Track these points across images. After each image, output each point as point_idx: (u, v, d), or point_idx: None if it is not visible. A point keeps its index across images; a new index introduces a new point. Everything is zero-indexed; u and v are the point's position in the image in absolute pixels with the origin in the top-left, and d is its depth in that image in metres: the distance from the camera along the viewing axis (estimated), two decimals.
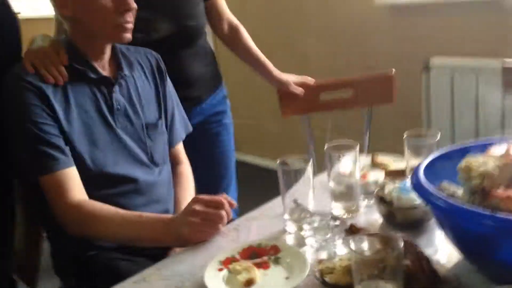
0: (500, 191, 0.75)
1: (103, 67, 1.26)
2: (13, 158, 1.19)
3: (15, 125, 1.17)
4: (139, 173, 1.27)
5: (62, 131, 1.17)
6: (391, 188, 1.04)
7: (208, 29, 1.70)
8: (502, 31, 2.16)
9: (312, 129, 1.84)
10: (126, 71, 1.29)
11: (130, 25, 1.22)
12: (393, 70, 1.74)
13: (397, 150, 1.40)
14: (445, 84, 2.27)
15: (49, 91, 1.17)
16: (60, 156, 1.15)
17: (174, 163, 1.44)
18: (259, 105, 3.38)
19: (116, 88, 1.26)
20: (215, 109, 1.72)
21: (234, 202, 1.14)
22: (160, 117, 1.36)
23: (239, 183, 1.85)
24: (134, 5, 1.20)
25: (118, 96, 1.26)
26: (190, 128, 1.49)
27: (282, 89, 1.75)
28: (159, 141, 1.34)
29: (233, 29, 1.73)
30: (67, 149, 1.17)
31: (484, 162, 0.80)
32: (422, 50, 2.41)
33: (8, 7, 1.32)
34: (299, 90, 1.74)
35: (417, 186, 0.86)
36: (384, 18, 2.55)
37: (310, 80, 1.77)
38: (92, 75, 1.23)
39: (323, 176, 1.29)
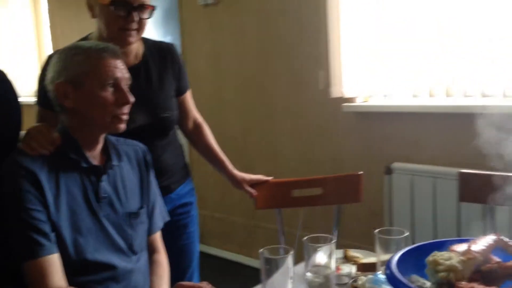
0: (464, 283, 0.85)
1: (94, 157, 1.34)
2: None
3: (9, 209, 1.22)
4: (117, 261, 1.31)
5: (50, 217, 1.22)
6: (364, 279, 1.13)
7: None
8: (459, 142, 2.38)
9: (283, 225, 1.92)
10: (114, 161, 1.37)
11: (126, 116, 1.32)
12: (361, 172, 1.88)
13: (362, 246, 1.51)
14: (405, 186, 2.44)
15: (42, 176, 1.23)
16: (45, 242, 1.20)
17: (151, 251, 1.48)
18: (227, 199, 3.46)
19: (104, 177, 1.33)
20: (184, 200, 1.78)
21: None
22: (142, 206, 1.42)
23: (203, 276, 1.88)
24: (132, 99, 1.31)
25: (105, 185, 1.33)
26: (168, 218, 1.54)
27: (237, 186, 1.85)
28: (139, 230, 1.40)
29: (197, 126, 1.84)
30: (52, 235, 1.21)
31: (450, 257, 0.90)
32: (385, 154, 2.61)
33: (11, 87, 1.42)
34: (253, 191, 1.85)
35: (392, 279, 0.95)
36: (350, 123, 2.75)
37: (265, 178, 1.88)
38: (84, 165, 1.30)
39: (298, 267, 1.36)
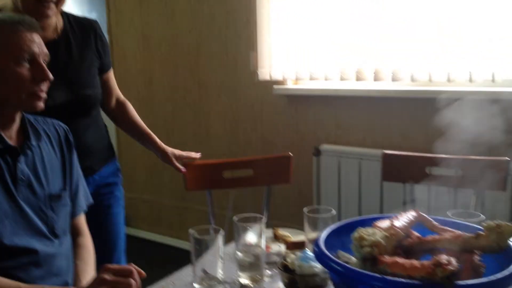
0: (387, 258, 0.89)
1: (10, 137, 1.26)
2: None
3: None
4: (38, 245, 1.25)
5: None
6: (293, 257, 1.15)
7: None
8: (383, 125, 2.48)
9: (214, 207, 1.93)
10: (33, 141, 1.30)
11: (44, 94, 1.25)
12: (290, 153, 1.92)
13: (292, 226, 1.54)
14: (333, 167, 2.52)
15: None
16: None
17: (75, 234, 1.43)
18: (156, 180, 3.41)
19: (22, 158, 1.26)
20: (107, 181, 1.74)
21: (143, 272, 1.17)
22: (64, 188, 1.36)
23: (132, 260, 1.84)
24: (51, 76, 1.24)
25: (23, 166, 1.25)
26: (91, 200, 1.49)
27: (166, 160, 1.81)
28: (61, 213, 1.34)
29: (121, 104, 1.82)
30: None
31: (373, 233, 0.94)
32: (314, 137, 2.67)
33: None
34: (182, 168, 1.83)
35: (319, 255, 0.98)
36: (280, 105, 2.79)
37: (195, 154, 1.85)
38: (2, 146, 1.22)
39: (228, 248, 1.37)
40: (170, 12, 3.10)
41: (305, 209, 1.30)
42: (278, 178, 1.92)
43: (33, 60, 1.22)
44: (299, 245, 1.32)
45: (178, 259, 1.73)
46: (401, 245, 1.00)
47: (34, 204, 1.26)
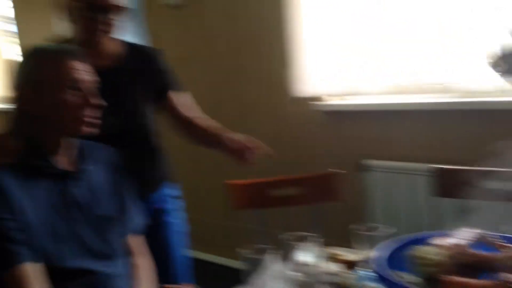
0: (451, 278, 0.87)
1: (63, 161, 1.30)
2: None
3: None
4: (97, 266, 1.28)
5: (22, 225, 1.18)
6: (346, 277, 1.13)
7: None
8: (430, 138, 2.42)
9: (260, 225, 1.92)
10: (85, 165, 1.34)
11: (91, 119, 1.28)
12: (339, 170, 1.89)
13: (341, 243, 1.52)
14: (379, 183, 2.47)
15: (8, 185, 1.18)
16: (20, 250, 1.16)
17: (132, 254, 1.45)
18: (199, 198, 3.43)
19: (75, 182, 1.30)
20: (159, 206, 1.74)
21: None
22: (117, 210, 1.39)
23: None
24: (95, 102, 1.28)
25: (76, 189, 1.29)
26: (146, 221, 1.51)
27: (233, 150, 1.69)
28: (115, 234, 1.36)
29: (186, 124, 1.75)
30: (27, 243, 1.17)
31: (436, 252, 0.92)
32: (357, 152, 2.63)
33: None
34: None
35: (383, 276, 0.96)
36: (320, 122, 2.76)
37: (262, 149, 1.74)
38: (51, 170, 1.26)
39: (279, 267, 1.36)
40: (207, 33, 3.14)
41: (355, 227, 1.28)
42: (327, 196, 1.90)
43: (77, 87, 1.26)
44: (351, 264, 1.29)
45: (227, 279, 1.73)
46: (461, 263, 0.97)
47: (90, 226, 1.30)
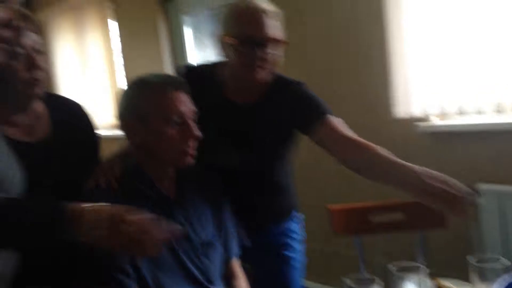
0: None
1: (166, 188, 1.34)
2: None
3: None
4: None
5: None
6: None
7: None
8: None
9: (362, 251, 1.84)
10: (186, 191, 1.37)
11: (192, 151, 1.31)
12: None
13: (449, 274, 1.40)
14: (493, 209, 2.27)
15: None
16: (127, 280, 1.19)
17: (229, 278, 1.45)
18: None
19: (178, 207, 1.33)
20: (276, 240, 1.68)
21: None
22: (216, 235, 1.40)
23: None
24: (199, 135, 1.31)
25: (179, 215, 1.32)
26: (247, 243, 1.50)
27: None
28: (215, 259, 1.37)
29: (360, 152, 1.45)
30: (132, 272, 1.21)
31: None
32: (467, 176, 2.44)
33: (89, 120, 1.50)
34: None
35: None
36: (425, 143, 2.62)
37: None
38: (154, 196, 1.30)
39: None
40: (303, 53, 3.13)
41: (471, 258, 1.17)
42: (433, 223, 1.78)
43: (182, 119, 1.29)
44: None
45: None
46: None
47: (190, 252, 1.31)
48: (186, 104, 1.31)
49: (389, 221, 1.83)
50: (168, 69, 4.08)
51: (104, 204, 1.08)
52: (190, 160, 1.32)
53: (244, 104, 1.53)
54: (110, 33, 4.48)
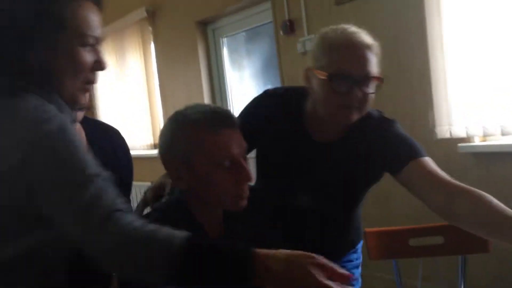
0: None
1: (213, 230, 1.20)
2: None
3: None
4: None
5: None
6: None
7: None
8: None
9: (401, 276, 1.79)
10: (234, 230, 1.22)
11: (246, 193, 1.16)
12: None
13: None
14: None
15: None
16: None
17: None
18: None
19: None
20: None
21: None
22: None
23: None
24: (252, 177, 1.16)
25: None
26: None
27: None
28: None
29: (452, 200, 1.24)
30: None
31: None
32: (510, 198, 2.36)
33: (125, 145, 1.49)
34: None
35: None
36: (467, 164, 2.55)
37: None
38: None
39: None
40: None
41: None
42: (474, 247, 1.71)
43: (234, 161, 1.13)
44: None
45: None
46: None
47: None
48: (238, 144, 1.14)
49: (428, 245, 1.77)
50: (206, 91, 4.14)
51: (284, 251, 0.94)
52: (244, 203, 1.17)
53: (322, 141, 1.37)
54: (150, 55, 4.60)
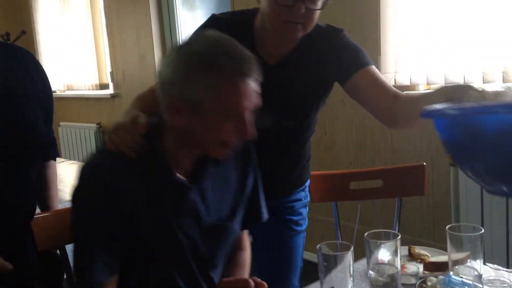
0: None
1: (184, 171, 1.15)
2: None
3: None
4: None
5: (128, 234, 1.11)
6: (434, 280, 1.02)
7: None
8: None
9: (340, 218, 1.84)
10: (206, 171, 1.18)
11: (235, 146, 1.12)
12: (424, 163, 1.76)
13: (425, 242, 1.39)
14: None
15: (122, 192, 1.09)
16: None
17: (235, 249, 1.33)
18: None
19: (191, 189, 1.15)
20: (287, 215, 1.60)
21: (265, 284, 1.11)
22: (233, 215, 1.25)
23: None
24: (252, 135, 1.09)
25: (192, 199, 1.16)
26: (265, 217, 1.36)
27: None
28: (225, 243, 1.26)
29: (393, 104, 1.31)
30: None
31: None
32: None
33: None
34: None
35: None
36: None
37: None
38: (169, 181, 1.13)
39: (358, 264, 1.27)
40: None
41: (448, 227, 1.15)
42: (410, 190, 1.77)
43: (241, 116, 1.06)
44: (440, 267, 1.17)
45: (304, 271, 1.67)
46: None
47: (199, 234, 1.18)
48: (254, 97, 1.06)
49: (368, 188, 1.81)
50: (156, 32, 3.99)
51: None
52: (228, 155, 1.13)
53: (275, 60, 1.37)
54: None
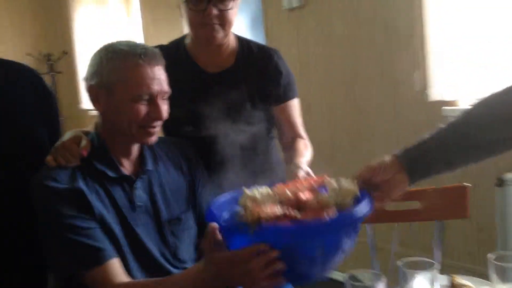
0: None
1: (129, 165, 1.27)
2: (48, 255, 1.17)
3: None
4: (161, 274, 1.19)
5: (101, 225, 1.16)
6: None
7: None
8: None
9: (375, 240, 1.74)
10: (149, 166, 1.28)
11: (155, 130, 1.24)
12: (466, 184, 1.64)
13: (468, 267, 1.28)
14: None
15: (84, 187, 1.17)
16: (105, 247, 1.14)
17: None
18: None
19: (138, 184, 1.24)
20: None
21: None
22: (187, 210, 1.31)
23: None
24: (165, 116, 1.23)
25: (139, 192, 1.24)
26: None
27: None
28: (184, 237, 1.29)
29: (292, 143, 1.58)
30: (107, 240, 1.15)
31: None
32: (495, 165, 2.30)
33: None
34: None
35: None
36: None
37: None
38: (112, 174, 1.22)
39: None
40: (326, 37, 3.01)
41: (491, 256, 1.04)
42: (452, 212, 1.65)
43: (151, 98, 1.20)
44: None
45: None
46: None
47: (153, 230, 1.24)
48: (158, 82, 1.20)
49: (406, 210, 1.71)
50: None
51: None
52: (154, 140, 1.25)
53: (214, 70, 1.49)
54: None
